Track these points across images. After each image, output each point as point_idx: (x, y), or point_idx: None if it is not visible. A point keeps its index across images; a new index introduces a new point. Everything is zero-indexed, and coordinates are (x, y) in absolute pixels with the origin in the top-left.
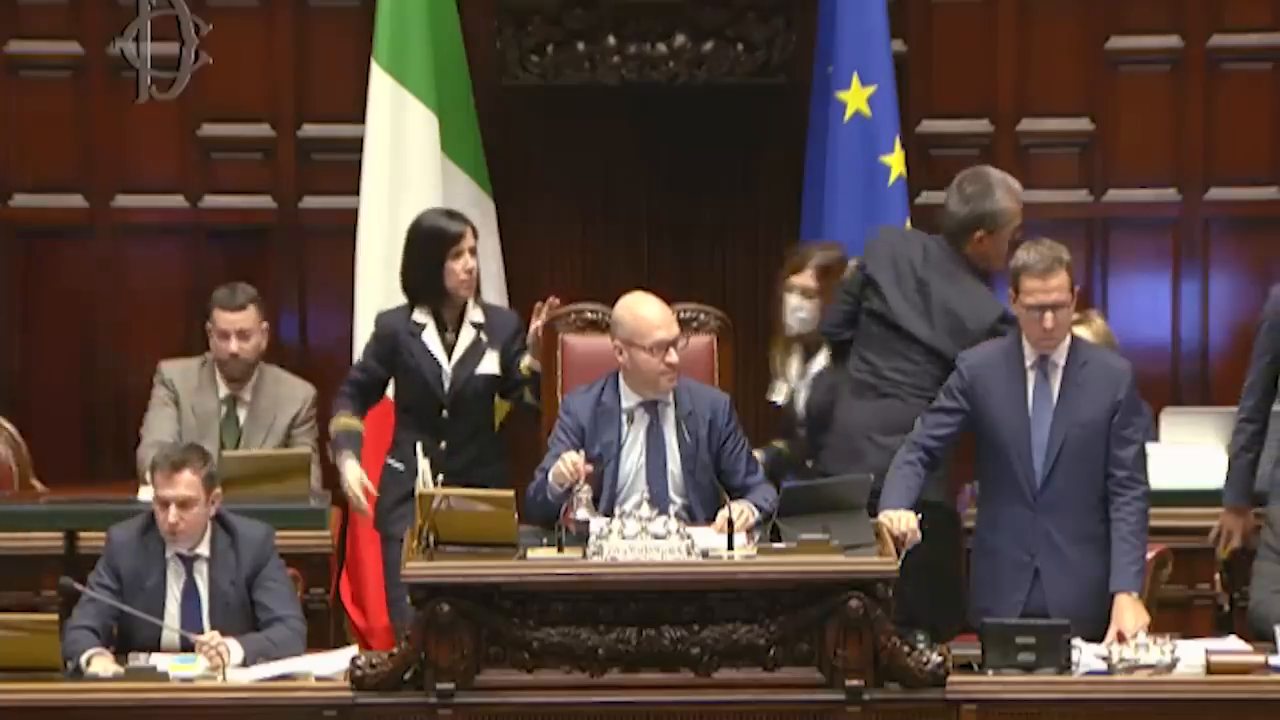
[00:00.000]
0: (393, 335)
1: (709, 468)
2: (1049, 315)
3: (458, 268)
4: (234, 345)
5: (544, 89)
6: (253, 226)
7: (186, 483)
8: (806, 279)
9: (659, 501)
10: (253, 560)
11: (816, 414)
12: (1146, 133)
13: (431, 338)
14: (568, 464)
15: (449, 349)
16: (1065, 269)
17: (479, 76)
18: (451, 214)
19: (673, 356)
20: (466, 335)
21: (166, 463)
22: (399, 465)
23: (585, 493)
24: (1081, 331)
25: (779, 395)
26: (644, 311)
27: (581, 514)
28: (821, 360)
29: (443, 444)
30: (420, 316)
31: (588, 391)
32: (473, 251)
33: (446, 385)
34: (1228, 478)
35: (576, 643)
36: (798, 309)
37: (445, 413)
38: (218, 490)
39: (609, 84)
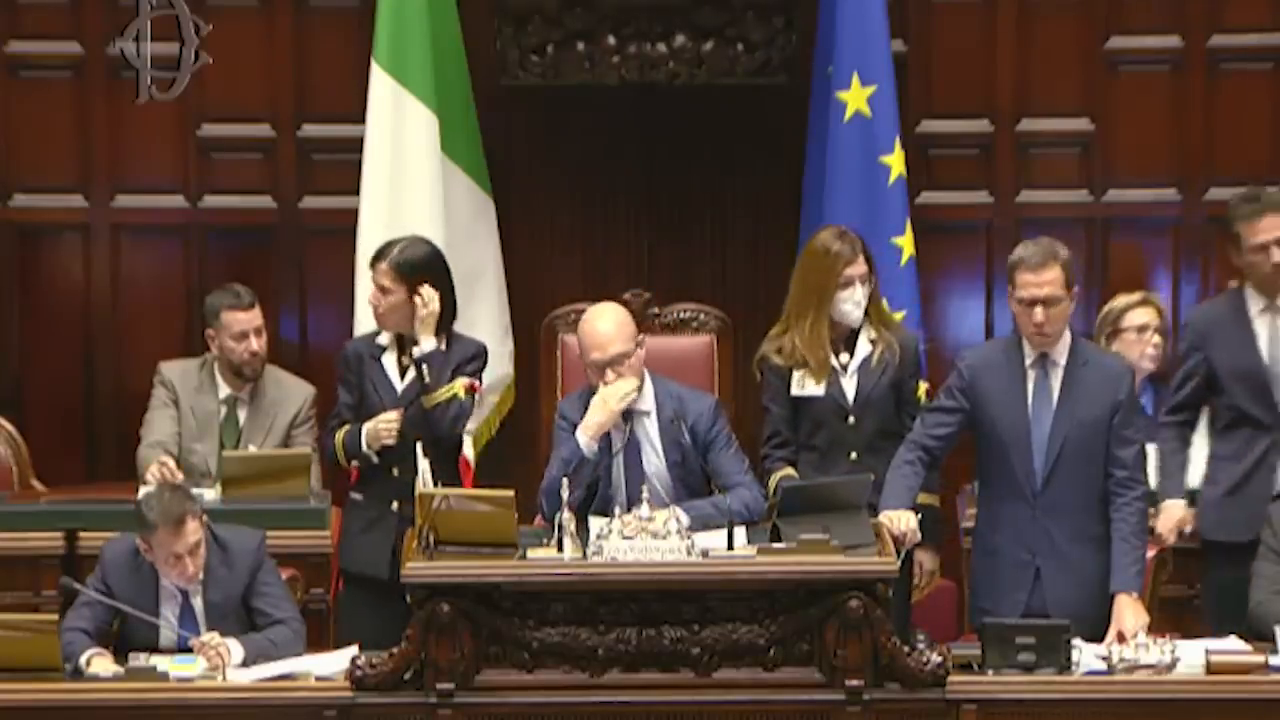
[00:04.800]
0: (358, 359)
1: (698, 472)
2: (1039, 309)
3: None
4: (255, 344)
5: (544, 89)
6: (253, 226)
7: (193, 530)
8: (862, 265)
9: (632, 507)
10: (247, 571)
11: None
12: (1146, 133)
13: (389, 361)
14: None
15: (403, 371)
16: (1060, 265)
17: (479, 76)
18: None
19: (610, 378)
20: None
21: (167, 520)
22: (358, 496)
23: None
24: (1144, 314)
25: (814, 387)
26: (588, 329)
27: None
28: (864, 347)
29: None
30: (383, 339)
31: (579, 397)
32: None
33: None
34: None
35: (576, 643)
36: (861, 297)
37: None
38: (205, 514)
39: (609, 84)
